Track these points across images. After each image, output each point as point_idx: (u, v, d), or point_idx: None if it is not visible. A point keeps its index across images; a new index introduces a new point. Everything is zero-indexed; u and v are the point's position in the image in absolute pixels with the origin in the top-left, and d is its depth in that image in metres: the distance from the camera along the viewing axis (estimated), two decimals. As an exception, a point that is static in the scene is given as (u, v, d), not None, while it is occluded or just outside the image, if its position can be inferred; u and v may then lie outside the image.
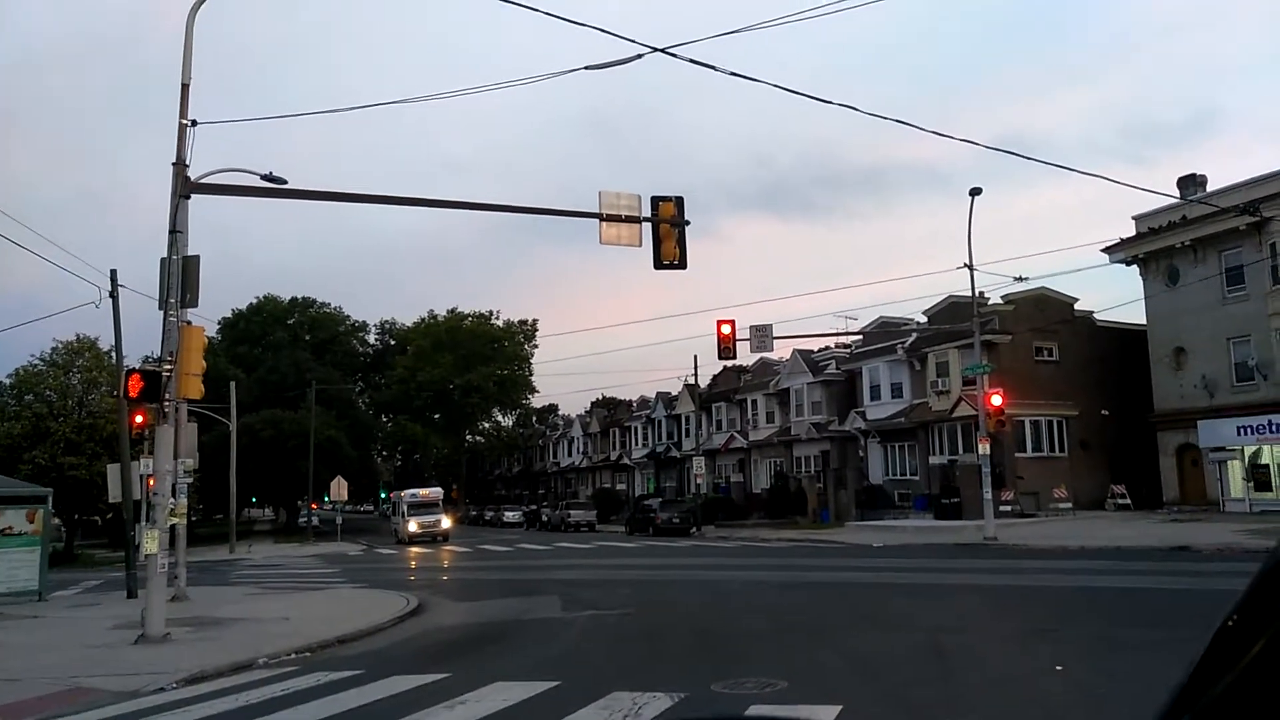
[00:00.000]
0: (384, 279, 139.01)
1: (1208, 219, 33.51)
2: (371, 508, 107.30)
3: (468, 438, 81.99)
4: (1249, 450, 33.98)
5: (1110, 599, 14.79)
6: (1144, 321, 38.87)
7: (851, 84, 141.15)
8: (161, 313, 14.06)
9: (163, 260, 14.11)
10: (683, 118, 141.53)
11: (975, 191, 29.51)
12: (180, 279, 13.89)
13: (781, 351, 49.46)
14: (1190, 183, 36.76)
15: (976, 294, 31.42)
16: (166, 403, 14.04)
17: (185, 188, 14.38)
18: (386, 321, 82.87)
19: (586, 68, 14.35)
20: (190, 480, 20.07)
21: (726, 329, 27.68)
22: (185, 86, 14.57)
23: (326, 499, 54.52)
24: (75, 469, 38.44)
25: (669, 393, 65.14)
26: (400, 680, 9.85)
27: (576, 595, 17.59)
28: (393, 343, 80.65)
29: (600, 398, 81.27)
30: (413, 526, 46.92)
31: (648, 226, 15.68)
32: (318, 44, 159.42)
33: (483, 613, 16.29)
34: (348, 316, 78.83)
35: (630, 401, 73.82)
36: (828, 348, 51.61)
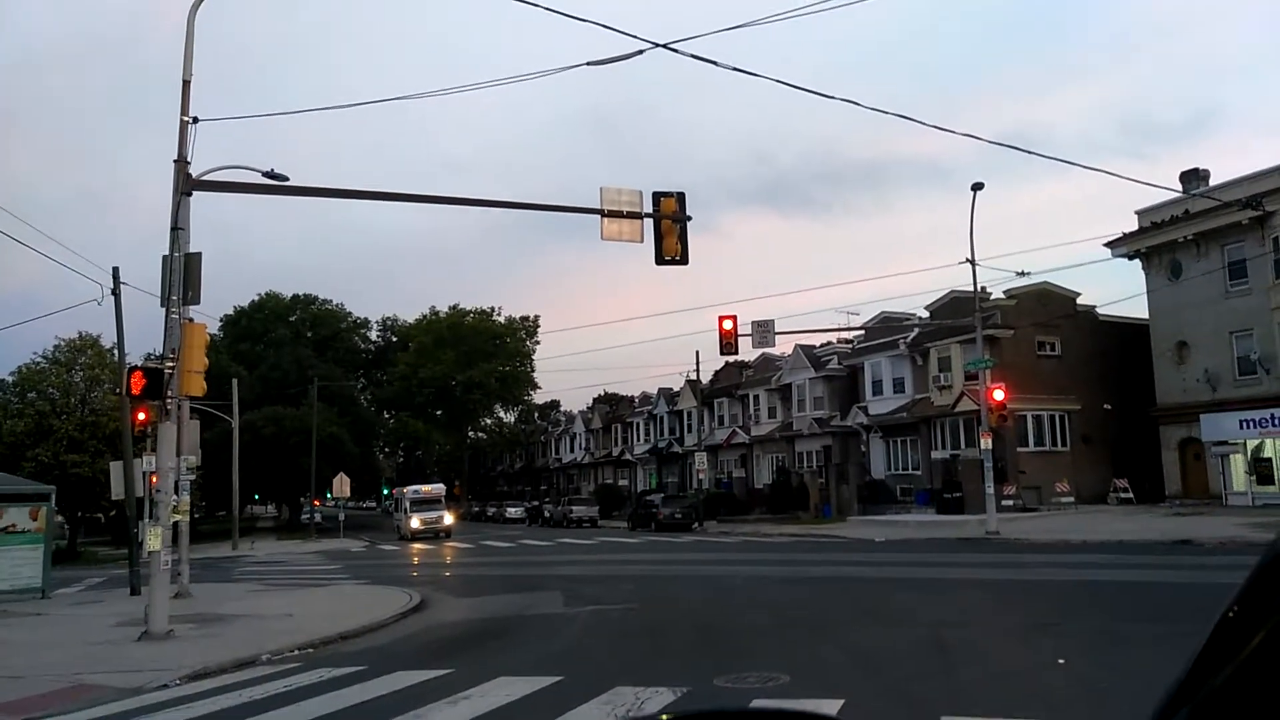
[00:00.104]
0: (385, 276, 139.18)
1: (1210, 213, 33.45)
2: (374, 504, 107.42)
3: (470, 434, 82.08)
4: (1251, 444, 33.95)
5: (1112, 593, 14.80)
6: (1146, 316, 38.82)
7: (852, 81, 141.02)
8: (163, 310, 14.07)
9: (164, 257, 14.12)
10: (684, 114, 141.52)
11: (977, 186, 29.49)
12: (182, 276, 13.90)
13: (783, 347, 49.47)
14: (1193, 177, 36.70)
15: (979, 289, 31.43)
16: (169, 400, 14.05)
17: (187, 184, 14.38)
18: (388, 318, 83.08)
19: (588, 63, 14.34)
20: (193, 477, 20.07)
21: (728, 324, 27.66)
22: (186, 83, 14.58)
23: (329, 496, 54.58)
24: (78, 466, 38.52)
25: (671, 388, 65.13)
26: (403, 676, 9.86)
27: (579, 591, 17.61)
28: (394, 339, 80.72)
29: (602, 393, 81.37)
30: (415, 523, 46.99)
31: (649, 222, 15.67)
32: (318, 43, 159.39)
33: (485, 608, 16.31)
34: (349, 313, 78.97)
35: (632, 397, 73.85)
36: (830, 343, 51.59)
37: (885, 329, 45.27)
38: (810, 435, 50.05)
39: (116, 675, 10.78)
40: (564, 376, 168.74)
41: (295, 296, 76.05)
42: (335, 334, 75.87)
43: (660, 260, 15.68)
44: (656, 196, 15.78)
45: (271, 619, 15.46)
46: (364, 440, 70.37)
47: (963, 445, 39.77)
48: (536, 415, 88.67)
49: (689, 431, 59.73)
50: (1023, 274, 31.85)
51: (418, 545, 41.81)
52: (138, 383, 14.06)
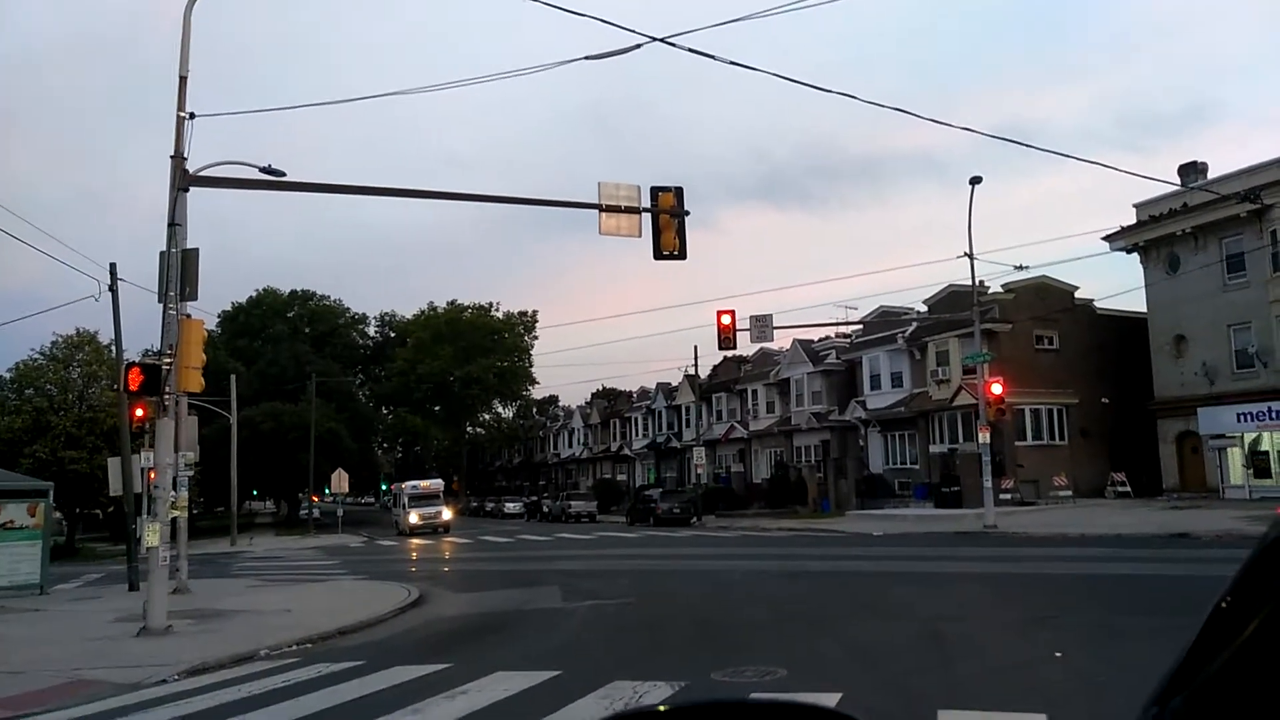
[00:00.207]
0: (383, 272, 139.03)
1: (1208, 206, 33.47)
2: (372, 500, 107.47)
3: (468, 429, 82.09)
4: (1249, 437, 34.01)
5: (1110, 586, 14.83)
6: (1144, 309, 38.86)
7: (850, 76, 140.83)
8: (161, 306, 14.05)
9: (162, 253, 14.10)
10: (682, 109, 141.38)
11: (975, 180, 29.46)
12: (179, 272, 13.87)
13: (781, 342, 49.43)
14: (1191, 170, 36.70)
15: (976, 283, 31.41)
16: (166, 396, 14.04)
17: (183, 180, 14.35)
18: (386, 314, 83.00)
19: (586, 58, 14.32)
20: (191, 473, 20.10)
21: (726, 319, 27.66)
22: (183, 79, 14.54)
23: (327, 491, 54.59)
24: (76, 463, 38.48)
25: (669, 383, 65.18)
26: (401, 671, 9.87)
27: (577, 585, 17.62)
28: (393, 335, 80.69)
29: (600, 389, 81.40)
30: (414, 518, 47.01)
31: (647, 217, 15.66)
32: (316, 40, 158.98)
33: (484, 603, 16.33)
34: (347, 309, 78.87)
35: (630, 392, 73.88)
36: (828, 337, 51.65)
37: (883, 323, 45.30)
38: (808, 430, 50.11)
39: (115, 671, 10.78)
40: (562, 371, 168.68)
41: (293, 292, 75.95)
42: (333, 330, 75.79)
43: (658, 255, 15.67)
44: (654, 191, 15.77)
45: (270, 614, 15.47)
46: (362, 436, 70.34)
47: (961, 439, 39.81)
48: (535, 410, 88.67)
49: (687, 426, 59.79)
50: (1021, 268, 31.85)
51: (416, 540, 41.82)
52: (135, 379, 14.04)
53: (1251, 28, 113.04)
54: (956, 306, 36.22)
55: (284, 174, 18.22)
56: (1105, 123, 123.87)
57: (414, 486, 51.08)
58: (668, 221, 15.66)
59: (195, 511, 47.30)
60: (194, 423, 22.23)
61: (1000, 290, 39.53)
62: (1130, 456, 38.91)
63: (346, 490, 52.63)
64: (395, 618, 14.92)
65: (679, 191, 15.84)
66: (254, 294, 74.28)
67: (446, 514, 48.35)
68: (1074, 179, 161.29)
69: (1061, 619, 11.42)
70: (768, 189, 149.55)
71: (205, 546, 38.37)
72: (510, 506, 65.29)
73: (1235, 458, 34.49)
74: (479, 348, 71.40)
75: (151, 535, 13.61)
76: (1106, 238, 38.83)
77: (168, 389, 13.93)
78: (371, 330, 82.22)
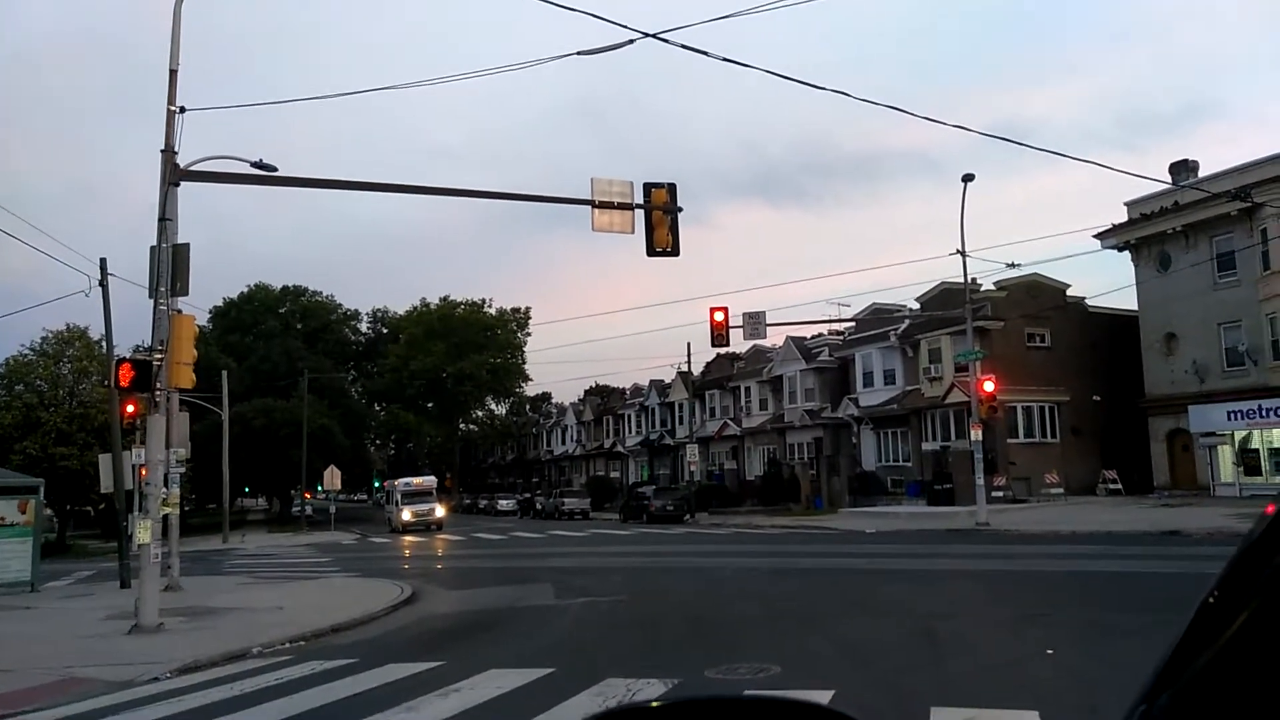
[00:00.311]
0: (376, 267, 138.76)
1: (1199, 204, 33.58)
2: (365, 497, 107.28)
3: (461, 426, 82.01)
4: (1239, 435, 34.15)
5: (1101, 583, 14.88)
6: (1135, 307, 38.98)
7: (843, 72, 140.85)
8: (152, 301, 14.00)
9: (152, 248, 14.05)
10: (674, 105, 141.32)
11: (968, 178, 29.51)
12: (170, 267, 13.83)
13: (775, 339, 49.44)
14: (1182, 168, 36.79)
15: (969, 280, 31.47)
16: (158, 392, 14.01)
17: (174, 175, 14.30)
18: (379, 310, 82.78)
19: (578, 53, 14.30)
20: (182, 470, 20.06)
21: (720, 316, 27.67)
22: (173, 73, 14.49)
23: (319, 488, 54.51)
24: (67, 459, 38.37)
25: (662, 380, 65.17)
26: (394, 668, 9.86)
27: (570, 583, 17.62)
28: (385, 331, 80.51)
29: (594, 385, 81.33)
30: (406, 515, 46.95)
31: (640, 213, 15.65)
32: (309, 35, 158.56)
33: (476, 601, 16.32)
34: (340, 305, 78.69)
35: (624, 389, 73.84)
36: (821, 335, 51.69)
37: (876, 320, 45.36)
38: (801, 427, 50.17)
39: (107, 669, 10.75)
40: (555, 368, 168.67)
41: (285, 288, 75.74)
42: (325, 326, 75.59)
43: (651, 252, 15.67)
44: (647, 188, 15.76)
45: (262, 612, 15.45)
46: (355, 432, 70.22)
47: (953, 437, 39.92)
48: (528, 407, 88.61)
49: (680, 423, 59.81)
50: (1013, 265, 31.90)
51: (409, 538, 41.78)
52: (126, 375, 14.00)
53: (1244, 27, 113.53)
54: (949, 304, 36.29)
55: (275, 169, 18.18)
56: (1099, 121, 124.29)
57: (407, 483, 51.02)
58: (661, 218, 15.65)
59: (187, 508, 47.14)
60: (185, 419, 22.16)
61: (992, 288, 39.62)
62: (1121, 454, 39.05)
63: (339, 487, 52.55)
64: (388, 615, 14.91)
65: (672, 188, 15.83)
66: (246, 289, 74.15)
67: (439, 511, 48.31)
68: (1067, 177, 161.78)
69: (1053, 616, 11.47)
70: (762, 185, 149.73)
71: (197, 544, 38.25)
72: (503, 504, 65.23)
73: (1226, 455, 34.64)
74: (472, 344, 71.31)
75: (143, 532, 13.57)
76: (1098, 235, 38.94)
77: (159, 385, 13.89)
78: (364, 326, 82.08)
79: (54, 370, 42.25)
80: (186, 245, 14.24)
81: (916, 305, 42.83)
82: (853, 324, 46.80)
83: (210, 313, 68.92)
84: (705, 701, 1.37)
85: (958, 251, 29.77)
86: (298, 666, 10.48)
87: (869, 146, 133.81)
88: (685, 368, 54.15)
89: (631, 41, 13.32)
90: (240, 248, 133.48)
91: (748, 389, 55.86)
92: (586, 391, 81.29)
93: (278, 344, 67.17)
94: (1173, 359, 36.85)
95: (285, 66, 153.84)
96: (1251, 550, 0.94)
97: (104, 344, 29.17)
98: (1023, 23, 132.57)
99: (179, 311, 14.44)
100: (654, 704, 1.37)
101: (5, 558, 20.86)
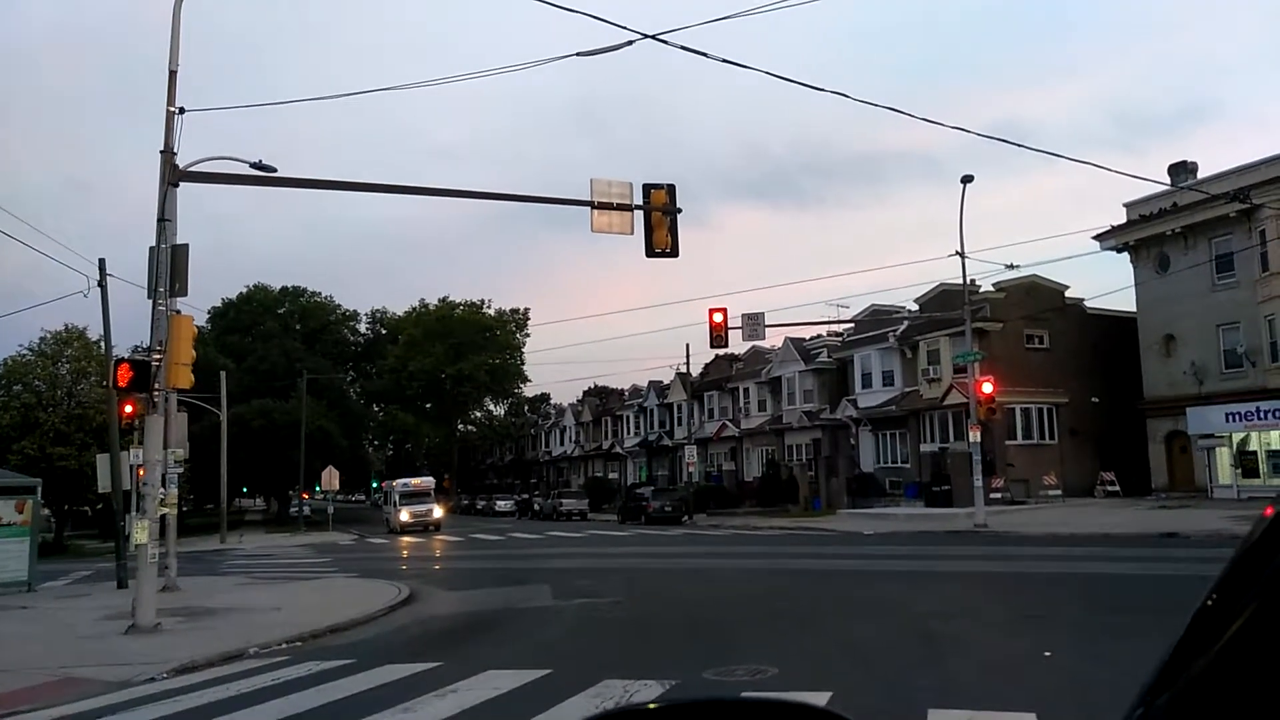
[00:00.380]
0: (375, 268, 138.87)
1: (1198, 206, 33.59)
2: (363, 497, 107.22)
3: (459, 427, 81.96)
4: (1237, 437, 34.16)
5: (1099, 585, 14.89)
6: (1134, 309, 39.00)
7: (843, 73, 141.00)
8: (150, 302, 13.99)
9: (151, 249, 14.05)
10: (674, 105, 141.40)
11: (967, 179, 29.53)
12: (169, 268, 13.82)
13: (773, 340, 49.48)
14: (1181, 170, 36.82)
15: (968, 282, 31.48)
16: (156, 392, 13.99)
17: (174, 175, 14.29)
18: (377, 310, 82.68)
19: (578, 54, 14.31)
20: (180, 470, 20.03)
21: (718, 317, 27.67)
22: (173, 74, 14.48)
23: (318, 489, 54.46)
24: (64, 459, 38.33)
25: (661, 381, 65.17)
26: (392, 669, 9.85)
27: (568, 584, 17.61)
28: (384, 332, 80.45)
29: (592, 386, 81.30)
30: (404, 516, 46.91)
31: (639, 214, 15.65)
32: (310, 36, 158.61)
33: (474, 602, 16.31)
34: (338, 305, 78.62)
35: (622, 390, 73.84)
36: (820, 336, 51.69)
37: (874, 322, 45.37)
38: (800, 428, 50.17)
39: (104, 669, 10.74)
40: (554, 369, 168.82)
41: (284, 289, 75.68)
42: (324, 326, 75.55)
43: (650, 253, 15.67)
44: (647, 189, 15.76)
45: (260, 612, 15.43)
46: (353, 433, 70.17)
47: (951, 438, 39.92)
48: (526, 408, 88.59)
49: (679, 424, 59.81)
50: (1012, 267, 31.93)
51: (407, 538, 41.76)
52: (124, 375, 13.98)
53: (1244, 27, 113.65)
54: (948, 305, 36.30)
55: (274, 169, 18.17)
56: (1098, 122, 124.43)
57: (405, 484, 50.99)
58: (660, 219, 15.65)
59: (185, 509, 47.14)
60: (183, 419, 22.13)
61: (991, 289, 39.64)
62: (1119, 456, 39.06)
63: (337, 488, 52.50)
64: (385, 616, 14.89)
65: (671, 189, 15.83)
66: (244, 290, 74.08)
67: (437, 512, 48.27)
68: (1066, 178, 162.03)
69: (1051, 617, 11.47)
70: (761, 186, 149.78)
71: (195, 544, 38.23)
72: (501, 504, 65.19)
73: (1224, 457, 34.64)
74: (470, 345, 71.27)
75: (140, 532, 13.55)
76: (1096, 237, 38.97)
77: (157, 385, 13.87)
78: (363, 327, 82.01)
79: (52, 370, 42.22)
80: (185, 246, 14.23)
81: (915, 306, 42.84)
82: (851, 325, 46.82)
83: (209, 313, 68.97)
84: (702, 703, 1.36)
85: (957, 253, 29.80)
86: (295, 667, 10.46)
87: (868, 147, 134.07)
88: (684, 369, 54.22)
89: (631, 43, 13.32)
90: (239, 248, 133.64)
91: (746, 390, 55.87)
92: (585, 392, 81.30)
93: (276, 345, 67.14)
94: (1171, 361, 36.86)
95: (286, 67, 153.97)
96: (1250, 553, 0.94)
97: (102, 344, 29.16)
98: (1022, 23, 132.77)
99: (178, 312, 14.42)
100: (651, 705, 1.36)
101: (2, 558, 20.82)
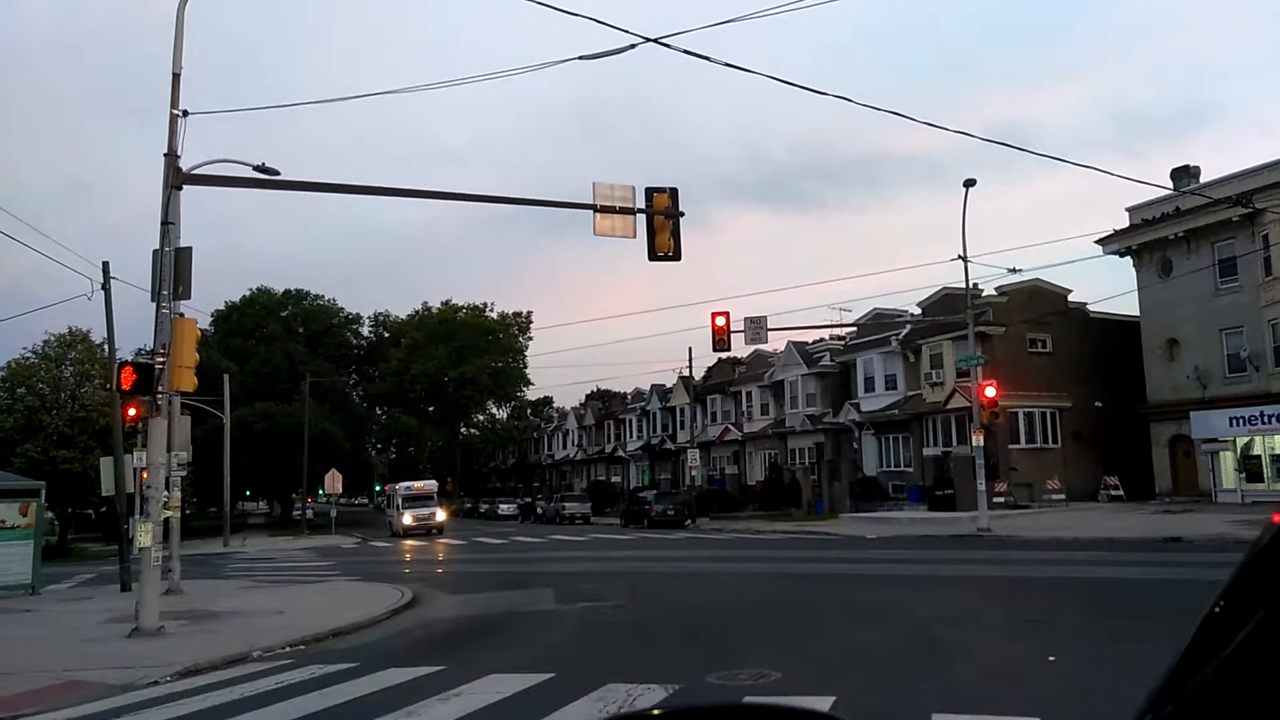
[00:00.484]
0: (378, 271, 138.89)
1: (1201, 210, 33.57)
2: (366, 501, 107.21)
3: (462, 430, 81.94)
4: (1241, 441, 34.09)
5: (1103, 590, 14.87)
6: (1137, 313, 38.97)
7: (845, 76, 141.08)
8: (154, 305, 14.01)
9: (155, 252, 14.07)
10: (676, 109, 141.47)
11: (969, 183, 29.53)
12: (173, 271, 13.85)
13: (776, 343, 49.53)
14: (1183, 174, 36.81)
15: (970, 285, 31.47)
16: (159, 395, 14.01)
17: (177, 179, 14.31)
18: (380, 314, 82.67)
19: (580, 57, 14.33)
20: (184, 473, 20.05)
21: (721, 321, 27.67)
22: (176, 76, 14.51)
23: (321, 492, 54.44)
24: (68, 462, 38.35)
25: (663, 385, 65.14)
26: (395, 673, 9.85)
27: (571, 588, 17.60)
28: (387, 335, 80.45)
29: (595, 390, 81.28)
30: (407, 519, 46.89)
31: (642, 218, 15.66)
32: (313, 39, 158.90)
33: (477, 605, 16.31)
34: (341, 309, 78.63)
35: (625, 394, 73.82)
36: (822, 339, 51.66)
37: (877, 326, 45.33)
38: (803, 432, 50.13)
39: (108, 672, 10.75)
40: (557, 373, 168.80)
41: (287, 292, 75.69)
42: (327, 329, 75.58)
43: (653, 256, 15.67)
44: (649, 192, 15.77)
45: (263, 616, 15.43)
46: (356, 436, 70.16)
47: (954, 442, 39.86)
48: (529, 412, 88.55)
49: (681, 428, 59.77)
50: (1014, 271, 31.97)
51: (410, 542, 41.75)
52: (128, 378, 13.99)
53: (1244, 29, 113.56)
54: (950, 309, 36.27)
55: (278, 172, 18.16)
56: (1101, 125, 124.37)
57: (408, 488, 50.98)
58: (662, 222, 15.66)
59: (188, 512, 47.13)
60: (187, 422, 22.15)
61: (994, 293, 39.61)
62: (1123, 460, 39.00)
63: (340, 491, 52.49)
64: (388, 619, 14.89)
65: (674, 192, 15.84)
66: (248, 293, 74.08)
67: (440, 515, 48.25)
68: (1069, 182, 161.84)
69: (1054, 622, 11.45)
70: (763, 190, 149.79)
71: (198, 547, 38.26)
72: (504, 508, 65.16)
73: (1227, 462, 34.58)
74: (473, 348, 71.28)
75: (144, 535, 13.56)
76: (1099, 241, 38.95)
77: (160, 388, 13.89)
78: (366, 330, 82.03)
79: (56, 373, 42.27)
80: (189, 249, 14.27)
81: (918, 310, 42.79)
82: (854, 329, 46.82)
83: (212, 316, 69.01)
84: (705, 710, 1.36)
85: (959, 257, 29.79)
86: (298, 670, 10.47)
87: (871, 151, 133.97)
88: (686, 372, 54.14)
89: (634, 46, 13.35)
90: (242, 251, 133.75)
91: (749, 394, 55.84)
92: (588, 396, 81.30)
93: (279, 348, 67.17)
94: (1174, 365, 36.82)
95: (289, 70, 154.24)
96: (1258, 559, 0.94)
97: (106, 347, 29.16)
98: (1024, 27, 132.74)
99: (181, 315, 14.43)
100: (655, 711, 1.36)
101: (6, 560, 20.85)
